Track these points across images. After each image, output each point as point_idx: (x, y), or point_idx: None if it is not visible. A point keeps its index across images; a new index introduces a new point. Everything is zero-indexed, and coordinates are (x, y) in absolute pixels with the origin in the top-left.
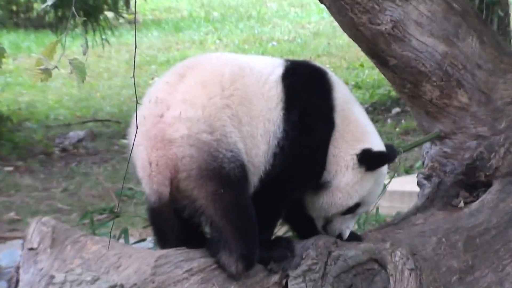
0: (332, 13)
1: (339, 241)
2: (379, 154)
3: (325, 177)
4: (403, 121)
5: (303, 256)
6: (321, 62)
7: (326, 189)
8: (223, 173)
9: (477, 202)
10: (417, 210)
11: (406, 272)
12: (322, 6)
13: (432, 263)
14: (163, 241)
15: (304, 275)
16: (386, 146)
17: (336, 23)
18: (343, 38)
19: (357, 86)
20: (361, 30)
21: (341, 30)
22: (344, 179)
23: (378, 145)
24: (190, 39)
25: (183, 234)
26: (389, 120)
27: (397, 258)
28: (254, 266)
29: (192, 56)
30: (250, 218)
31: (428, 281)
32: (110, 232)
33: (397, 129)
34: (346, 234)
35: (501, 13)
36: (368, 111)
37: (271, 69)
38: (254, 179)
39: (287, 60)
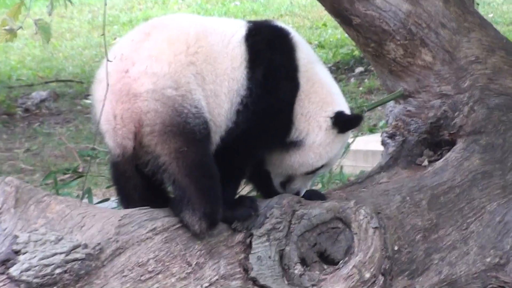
0: None
1: (304, 200)
2: (352, 117)
3: (297, 136)
4: (366, 80)
5: (267, 215)
6: (284, 22)
7: (299, 148)
8: (187, 129)
9: (441, 160)
10: (381, 169)
11: (370, 231)
12: None
13: (396, 222)
14: (126, 201)
15: (268, 234)
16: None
17: None
18: None
19: (321, 46)
20: None
21: None
22: (317, 139)
23: (345, 107)
24: None
25: (147, 194)
26: (352, 79)
27: (361, 217)
28: (218, 225)
29: (154, 16)
30: (213, 176)
31: (392, 239)
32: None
33: (361, 88)
34: (303, 192)
35: None
36: (331, 71)
37: (234, 29)
38: (216, 137)
39: (249, 21)
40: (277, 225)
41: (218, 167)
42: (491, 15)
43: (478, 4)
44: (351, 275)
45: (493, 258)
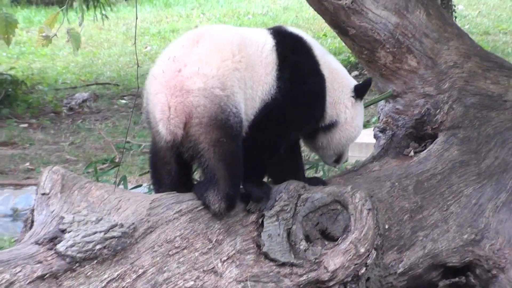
0: None
1: (307, 185)
2: (367, 83)
3: (330, 120)
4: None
5: (277, 199)
6: None
7: (337, 126)
8: (228, 124)
9: (425, 151)
10: (373, 158)
11: (365, 212)
12: None
13: (386, 204)
14: (158, 185)
15: (277, 215)
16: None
17: None
18: (309, 12)
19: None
20: (325, 5)
21: (308, 5)
22: (348, 115)
23: (353, 80)
24: (178, 13)
25: (177, 180)
26: None
27: (357, 200)
28: (235, 207)
29: (180, 28)
30: (240, 166)
31: (383, 219)
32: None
33: None
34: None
35: None
36: None
37: (263, 39)
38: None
39: (269, 29)
40: (285, 207)
41: (252, 151)
42: (467, 26)
43: (456, 17)
44: (349, 249)
45: (469, 235)
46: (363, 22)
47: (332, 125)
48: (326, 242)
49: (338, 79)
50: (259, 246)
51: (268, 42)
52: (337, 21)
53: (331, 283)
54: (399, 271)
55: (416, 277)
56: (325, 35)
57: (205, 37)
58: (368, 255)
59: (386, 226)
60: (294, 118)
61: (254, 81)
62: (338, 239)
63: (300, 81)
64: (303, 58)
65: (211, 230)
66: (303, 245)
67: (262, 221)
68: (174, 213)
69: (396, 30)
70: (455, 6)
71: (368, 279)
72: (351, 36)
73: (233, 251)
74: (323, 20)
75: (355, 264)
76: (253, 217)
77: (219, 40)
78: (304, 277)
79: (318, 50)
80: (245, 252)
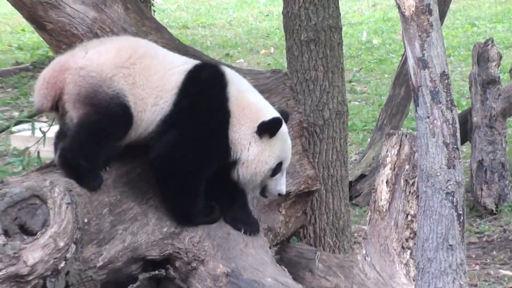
0: None
1: (6, 180)
2: (273, 121)
3: (233, 157)
4: None
5: None
6: None
7: (241, 164)
8: (97, 102)
9: None
10: None
11: (64, 206)
12: None
13: (86, 198)
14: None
15: None
16: (281, 111)
17: None
18: (7, 7)
19: (20, 48)
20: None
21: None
22: (251, 152)
23: (271, 114)
24: None
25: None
26: None
27: (55, 194)
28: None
29: None
30: (92, 141)
31: (82, 213)
32: None
33: None
34: (284, 190)
35: None
36: (29, 69)
37: (182, 63)
38: (138, 130)
39: (202, 63)
40: None
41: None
42: (166, 20)
43: (154, 11)
44: (48, 244)
45: (169, 228)
46: (61, 16)
47: (236, 162)
48: (26, 237)
49: (249, 114)
50: None
51: (184, 67)
52: (35, 16)
53: (30, 277)
54: (98, 264)
55: (116, 270)
56: (23, 30)
57: (118, 40)
58: (68, 249)
59: (86, 220)
60: (194, 153)
61: (147, 86)
62: (37, 233)
63: (197, 116)
64: (209, 91)
65: None
66: (1, 240)
67: None
68: None
69: (94, 24)
70: (153, 0)
71: (67, 273)
72: (49, 31)
73: None
74: (21, 15)
75: (55, 258)
76: None
77: (124, 45)
78: (3, 271)
79: (234, 85)
80: None
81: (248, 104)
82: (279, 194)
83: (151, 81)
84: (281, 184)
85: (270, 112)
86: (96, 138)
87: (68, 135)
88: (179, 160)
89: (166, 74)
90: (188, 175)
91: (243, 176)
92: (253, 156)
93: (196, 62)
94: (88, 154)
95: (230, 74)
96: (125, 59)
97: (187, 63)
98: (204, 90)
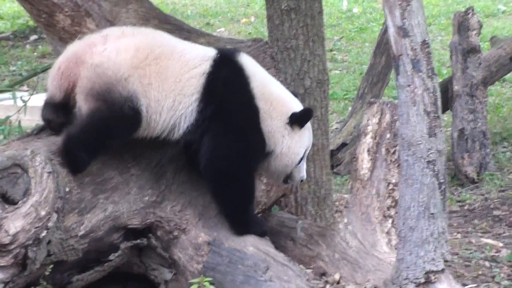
0: None
1: None
2: (304, 112)
3: (267, 149)
4: (40, 46)
5: None
6: None
7: (273, 156)
8: (109, 100)
9: None
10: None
11: (45, 175)
12: None
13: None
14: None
15: None
16: (292, 92)
17: None
18: None
19: (0, 18)
20: None
21: None
22: (284, 145)
23: (298, 105)
24: None
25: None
26: (28, 46)
27: (37, 163)
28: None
29: None
30: (96, 135)
31: (64, 182)
32: None
33: (35, 54)
34: (305, 175)
35: None
36: (9, 38)
37: (198, 62)
38: (150, 131)
39: (218, 53)
40: None
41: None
42: None
43: None
44: (29, 213)
45: (151, 196)
46: None
47: (269, 154)
48: (7, 206)
49: (278, 107)
50: None
51: (202, 67)
52: None
53: (12, 247)
54: (80, 233)
55: (98, 239)
56: (3, 0)
57: (135, 36)
58: (49, 218)
59: (67, 189)
60: (242, 151)
61: (163, 89)
62: (19, 202)
63: (229, 119)
64: (234, 94)
65: None
66: None
67: None
68: None
69: None
70: None
71: (49, 242)
72: (29, 0)
73: None
74: None
75: (36, 227)
76: None
77: (143, 43)
78: None
79: (256, 81)
80: None
81: (275, 97)
82: (301, 180)
83: (167, 84)
84: (303, 170)
85: (296, 103)
86: (103, 135)
87: (74, 123)
88: (231, 158)
89: (183, 78)
90: (243, 171)
91: (275, 168)
92: (286, 148)
93: (212, 56)
94: (91, 148)
95: (248, 66)
96: (142, 60)
97: (203, 62)
98: (228, 93)
